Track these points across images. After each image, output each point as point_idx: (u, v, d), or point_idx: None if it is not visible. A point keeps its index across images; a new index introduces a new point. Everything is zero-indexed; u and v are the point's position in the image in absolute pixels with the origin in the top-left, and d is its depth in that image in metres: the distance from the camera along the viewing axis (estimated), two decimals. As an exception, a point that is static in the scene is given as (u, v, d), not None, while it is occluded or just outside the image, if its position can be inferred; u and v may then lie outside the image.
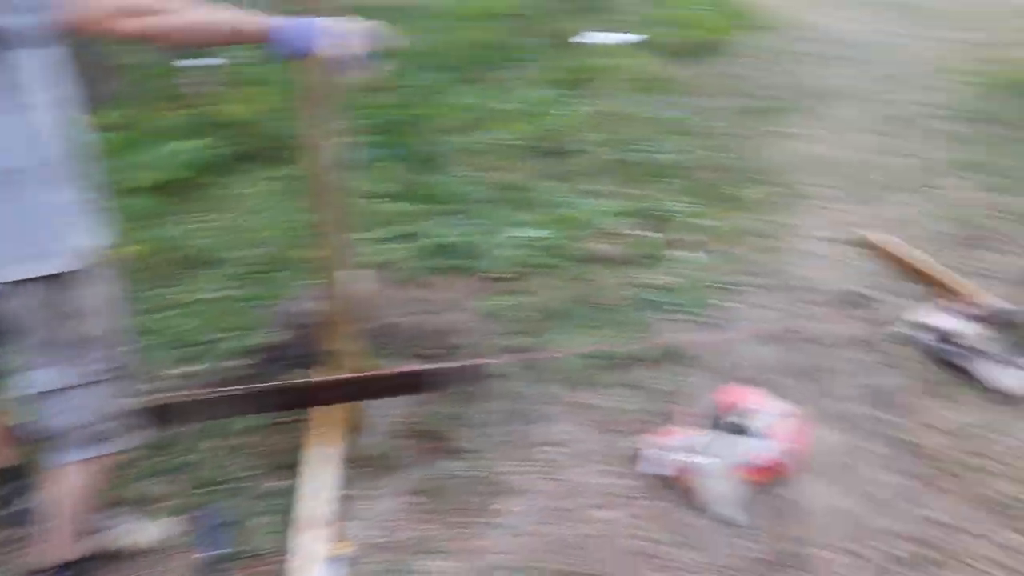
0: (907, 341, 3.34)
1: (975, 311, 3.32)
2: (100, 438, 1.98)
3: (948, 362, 3.20)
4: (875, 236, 4.14)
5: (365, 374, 2.80)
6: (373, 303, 3.36)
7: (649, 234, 4.23)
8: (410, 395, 2.95)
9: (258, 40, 1.86)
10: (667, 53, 7.52)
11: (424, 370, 3.04)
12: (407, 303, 3.58)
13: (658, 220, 4.38)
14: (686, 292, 3.70)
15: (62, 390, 1.88)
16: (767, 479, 2.61)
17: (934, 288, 3.72)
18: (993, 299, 3.47)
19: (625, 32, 8.05)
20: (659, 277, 3.82)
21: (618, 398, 3.05)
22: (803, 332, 3.45)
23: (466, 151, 5.18)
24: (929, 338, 3.27)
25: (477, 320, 3.51)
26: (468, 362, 3.15)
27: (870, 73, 7.26)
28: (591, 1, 9.04)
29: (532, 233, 4.13)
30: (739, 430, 2.71)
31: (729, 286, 3.81)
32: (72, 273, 1.79)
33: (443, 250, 3.98)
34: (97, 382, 1.92)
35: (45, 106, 1.71)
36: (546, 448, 2.81)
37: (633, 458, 2.73)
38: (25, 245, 1.73)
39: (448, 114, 5.75)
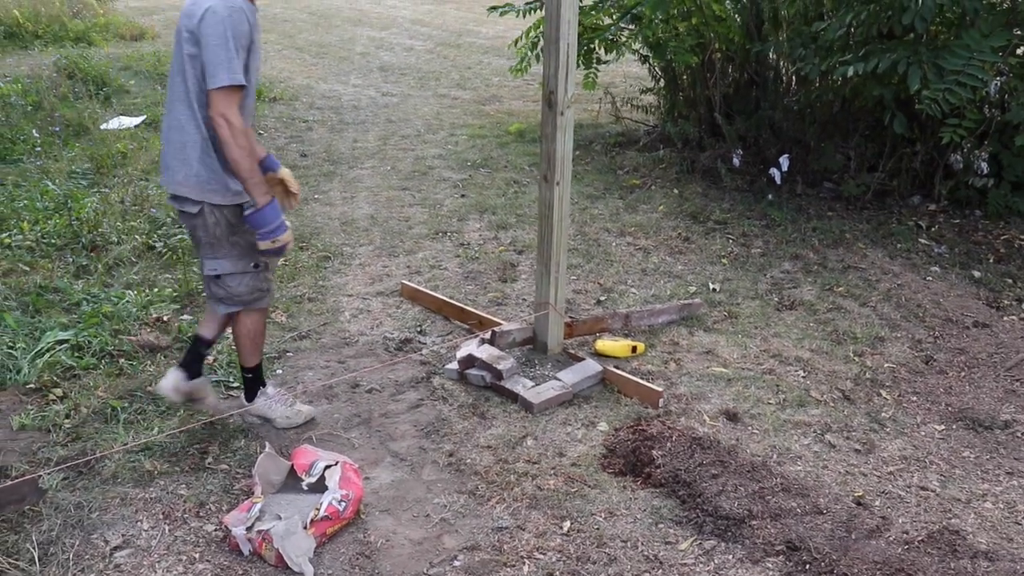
0: (447, 374, 3.71)
1: (490, 336, 3.78)
2: (249, 302, 3.08)
3: (479, 385, 3.61)
4: (410, 284, 4.52)
5: None
6: None
7: (188, 316, 4.13)
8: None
9: (253, 199, 2.83)
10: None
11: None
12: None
13: (198, 301, 4.30)
14: (236, 367, 3.67)
15: (227, 275, 3.00)
16: (332, 528, 2.71)
17: (464, 322, 4.18)
18: (506, 324, 4.00)
19: (141, 116, 7.77)
20: (207, 358, 3.74)
21: (192, 485, 2.95)
22: (357, 383, 3.64)
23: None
24: (461, 367, 3.66)
25: (17, 435, 3.19)
26: (15, 481, 2.85)
27: (381, 133, 7.90)
28: (106, 88, 8.59)
29: (68, 336, 3.79)
30: (317, 488, 2.79)
31: (279, 353, 3.87)
32: (238, 205, 2.93)
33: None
34: (247, 272, 3.03)
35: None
36: (122, 552, 2.63)
37: (223, 540, 2.67)
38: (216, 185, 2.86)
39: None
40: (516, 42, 7.48)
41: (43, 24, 11.55)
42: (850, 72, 4.99)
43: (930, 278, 4.88)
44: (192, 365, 3.20)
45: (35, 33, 11.34)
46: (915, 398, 3.67)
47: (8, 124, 7.10)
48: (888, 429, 3.43)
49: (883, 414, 3.53)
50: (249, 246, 2.97)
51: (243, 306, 3.08)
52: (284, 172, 3.17)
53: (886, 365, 3.93)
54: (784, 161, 6.11)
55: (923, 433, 3.41)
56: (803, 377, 3.79)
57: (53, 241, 4.89)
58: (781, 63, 6.62)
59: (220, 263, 2.96)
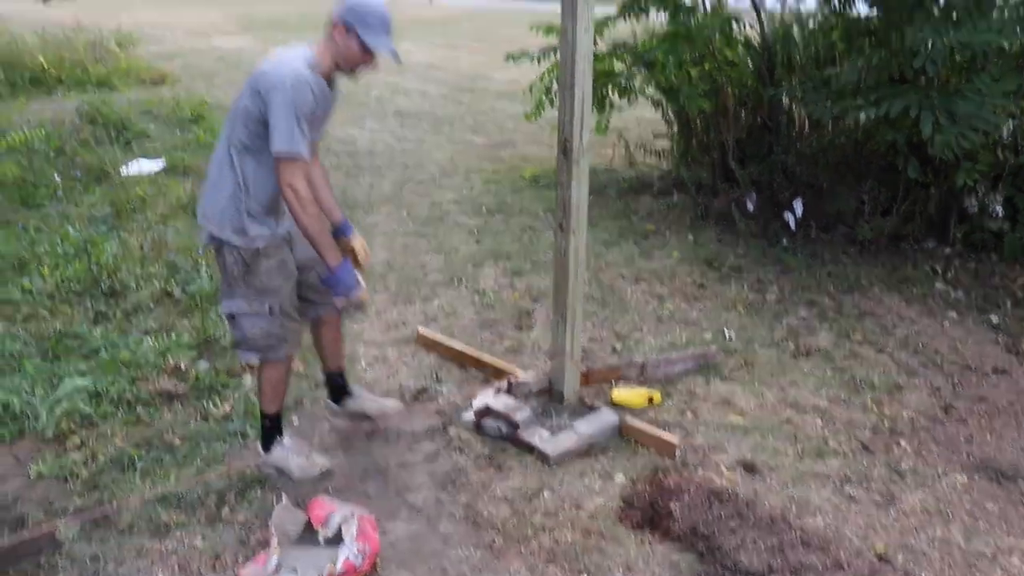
0: (464, 424, 3.70)
1: (506, 386, 3.78)
2: (263, 348, 3.13)
3: (495, 435, 3.60)
4: (426, 331, 4.53)
5: None
6: None
7: (205, 364, 4.15)
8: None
9: (325, 263, 3.01)
10: (200, 177, 7.53)
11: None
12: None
13: (215, 349, 4.32)
14: (252, 417, 3.68)
15: (241, 315, 3.07)
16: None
17: (480, 370, 4.18)
18: (522, 373, 4.00)
19: (160, 159, 7.89)
20: (224, 406, 3.77)
21: (208, 537, 2.94)
22: (374, 433, 3.64)
23: (2, 303, 4.73)
24: (477, 417, 3.65)
25: (34, 484, 3.22)
26: (31, 533, 2.86)
27: (396, 178, 7.97)
28: (126, 132, 8.75)
29: (86, 383, 3.82)
30: (332, 541, 2.78)
31: (296, 402, 3.88)
32: (255, 248, 2.99)
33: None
34: (261, 314, 3.05)
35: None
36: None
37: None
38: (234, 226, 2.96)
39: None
40: (530, 88, 7.56)
41: (66, 69, 11.79)
42: (862, 117, 5.02)
43: (947, 323, 4.85)
44: (336, 395, 3.66)
45: (58, 78, 11.57)
46: (935, 447, 3.63)
47: (31, 169, 7.23)
48: (908, 480, 3.39)
49: (903, 465, 3.49)
50: (269, 289, 3.04)
51: (258, 353, 3.13)
52: (356, 242, 3.32)
53: (905, 413, 3.90)
54: (798, 205, 6.13)
55: (945, 484, 3.37)
56: (821, 426, 3.76)
57: (73, 286, 4.95)
58: (794, 107, 6.67)
59: (235, 303, 3.05)
